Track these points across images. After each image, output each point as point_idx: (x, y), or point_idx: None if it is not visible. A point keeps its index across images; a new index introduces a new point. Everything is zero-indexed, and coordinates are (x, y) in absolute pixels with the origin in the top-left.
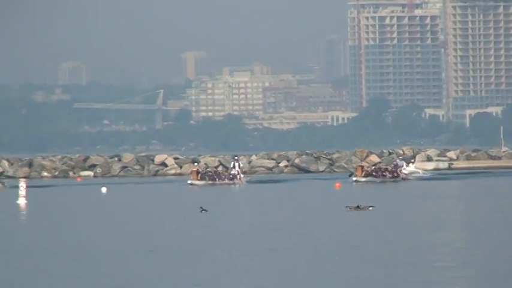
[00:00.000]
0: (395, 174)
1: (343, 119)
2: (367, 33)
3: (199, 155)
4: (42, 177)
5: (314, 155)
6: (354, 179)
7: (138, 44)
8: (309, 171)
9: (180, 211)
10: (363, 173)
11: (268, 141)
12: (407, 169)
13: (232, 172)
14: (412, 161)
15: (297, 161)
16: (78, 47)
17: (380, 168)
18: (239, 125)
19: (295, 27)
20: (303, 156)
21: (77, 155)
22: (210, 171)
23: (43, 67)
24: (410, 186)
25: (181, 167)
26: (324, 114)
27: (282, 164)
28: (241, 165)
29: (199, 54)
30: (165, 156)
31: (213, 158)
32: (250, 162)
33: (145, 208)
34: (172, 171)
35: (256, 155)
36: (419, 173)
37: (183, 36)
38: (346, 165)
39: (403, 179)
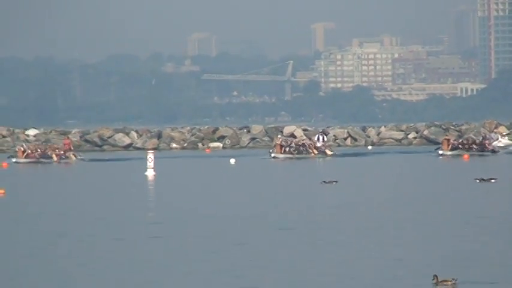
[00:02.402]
0: (483, 147)
1: (472, 90)
2: (497, 4)
3: (328, 127)
4: (171, 148)
5: (443, 126)
6: (440, 152)
7: (267, 15)
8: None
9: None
10: (449, 146)
11: (397, 112)
12: (503, 141)
13: (318, 145)
14: (500, 133)
15: (425, 132)
16: (208, 18)
17: (468, 141)
18: (368, 96)
19: None
20: (432, 128)
21: (206, 127)
22: (292, 145)
23: (172, 38)
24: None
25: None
26: (453, 86)
27: (410, 136)
28: (325, 138)
29: (328, 25)
30: (294, 127)
31: (341, 130)
32: (379, 133)
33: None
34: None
35: (385, 127)
36: None
37: (313, 8)
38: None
39: (492, 151)
